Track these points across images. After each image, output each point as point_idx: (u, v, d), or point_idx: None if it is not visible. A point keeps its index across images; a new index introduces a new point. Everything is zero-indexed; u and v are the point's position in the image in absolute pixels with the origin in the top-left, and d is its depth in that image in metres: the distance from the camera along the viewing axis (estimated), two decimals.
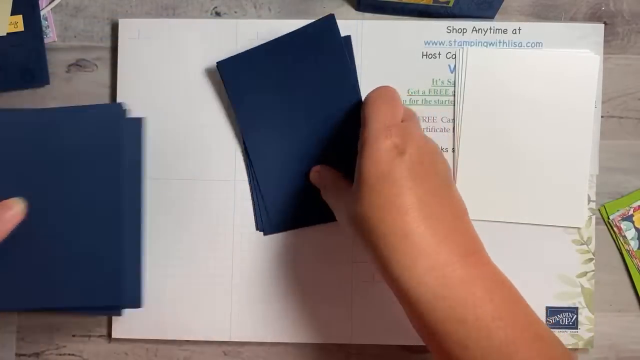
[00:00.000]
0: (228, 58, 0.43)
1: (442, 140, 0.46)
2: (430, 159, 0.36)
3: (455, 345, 0.32)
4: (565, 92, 0.45)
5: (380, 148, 0.34)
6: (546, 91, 0.45)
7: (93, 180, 0.40)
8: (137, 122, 0.43)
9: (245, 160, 0.45)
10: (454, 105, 0.46)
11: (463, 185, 0.45)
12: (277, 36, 0.45)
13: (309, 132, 0.43)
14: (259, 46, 0.43)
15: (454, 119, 0.46)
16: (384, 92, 0.38)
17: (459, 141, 0.45)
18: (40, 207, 0.40)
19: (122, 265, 0.41)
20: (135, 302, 0.43)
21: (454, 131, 0.45)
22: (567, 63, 0.45)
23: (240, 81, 0.43)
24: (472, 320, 0.32)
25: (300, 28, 0.42)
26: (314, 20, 0.45)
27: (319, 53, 0.42)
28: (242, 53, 0.43)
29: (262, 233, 0.45)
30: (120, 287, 0.41)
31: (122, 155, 0.41)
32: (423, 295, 0.32)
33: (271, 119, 0.43)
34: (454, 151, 0.45)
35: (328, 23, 0.41)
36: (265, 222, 0.45)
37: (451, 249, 0.33)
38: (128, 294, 0.42)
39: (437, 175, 0.35)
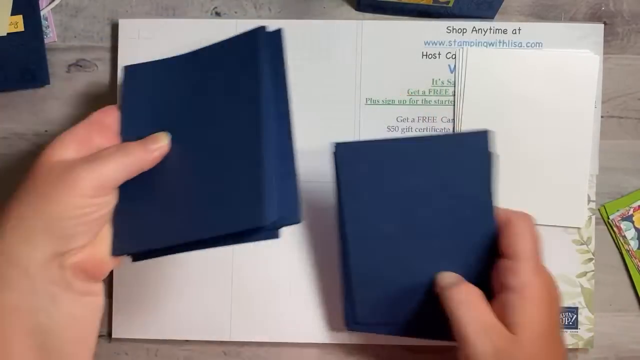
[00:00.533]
0: (346, 143, 0.38)
1: None
2: None
3: None
4: (565, 92, 0.45)
5: (551, 300, 0.35)
6: (546, 91, 0.45)
7: (233, 102, 0.35)
8: (276, 35, 0.36)
9: (339, 246, 0.40)
10: (454, 105, 0.46)
11: None
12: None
13: (428, 237, 0.38)
14: (384, 140, 0.38)
15: (453, 118, 0.46)
16: (533, 225, 0.36)
17: None
18: (184, 139, 0.36)
19: (262, 180, 0.32)
20: (293, 218, 0.34)
21: (453, 131, 0.45)
22: (567, 63, 0.45)
23: (357, 170, 0.38)
24: None
25: (447, 136, 0.39)
26: (314, 19, 0.45)
27: (462, 168, 0.37)
28: (364, 142, 0.38)
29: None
30: (262, 206, 0.32)
31: (260, 79, 0.35)
32: None
33: (385, 215, 0.38)
34: None
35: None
36: (351, 318, 0.41)
37: None
38: (275, 211, 0.32)
39: None
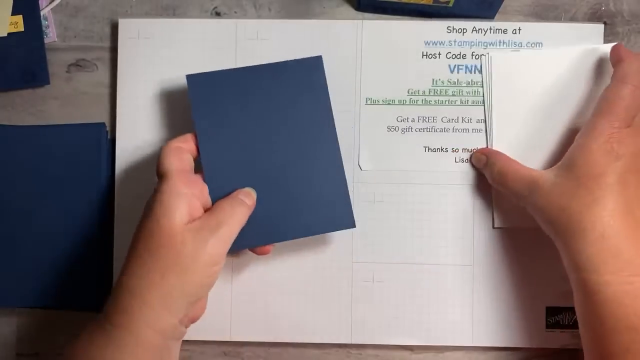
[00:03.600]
0: (199, 74, 0.42)
1: (442, 140, 0.45)
2: None
3: (618, 346, 0.35)
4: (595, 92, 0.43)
5: (600, 149, 0.37)
6: (585, 92, 0.44)
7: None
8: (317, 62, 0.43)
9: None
10: (484, 111, 0.45)
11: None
12: (277, 35, 0.45)
13: (271, 161, 0.41)
14: (236, 68, 0.42)
15: (485, 121, 0.45)
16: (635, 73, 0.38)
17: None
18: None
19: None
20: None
21: (486, 138, 0.45)
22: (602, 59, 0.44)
23: (207, 98, 0.41)
24: None
25: (286, 61, 0.42)
26: (314, 19, 0.46)
27: (300, 88, 0.42)
28: (216, 72, 0.42)
29: None
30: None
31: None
32: (604, 294, 0.36)
33: (231, 140, 0.41)
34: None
35: (315, 63, 0.42)
36: None
37: None
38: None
39: None
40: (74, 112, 0.47)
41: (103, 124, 0.46)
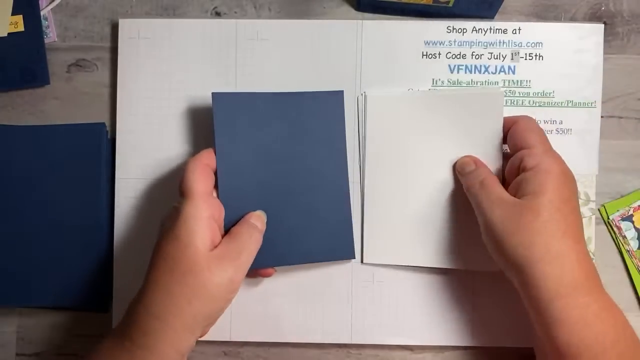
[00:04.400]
0: (225, 93, 0.42)
1: None
2: None
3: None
4: (473, 130, 0.43)
5: (565, 174, 0.38)
6: (452, 131, 0.43)
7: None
8: (337, 97, 0.44)
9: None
10: (359, 150, 0.45)
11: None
12: (277, 35, 0.45)
13: (282, 186, 0.43)
14: (261, 93, 0.43)
15: (359, 161, 0.45)
16: (536, 122, 0.41)
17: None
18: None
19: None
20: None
21: (360, 180, 0.45)
22: (472, 101, 0.43)
23: (230, 118, 0.42)
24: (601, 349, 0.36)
25: (309, 92, 0.43)
26: (314, 19, 0.46)
27: (319, 119, 0.43)
28: (241, 93, 0.43)
29: None
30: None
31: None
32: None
33: (247, 162, 0.42)
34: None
35: (336, 97, 0.44)
36: None
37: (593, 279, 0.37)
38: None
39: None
40: (74, 112, 0.47)
41: (103, 124, 0.46)
